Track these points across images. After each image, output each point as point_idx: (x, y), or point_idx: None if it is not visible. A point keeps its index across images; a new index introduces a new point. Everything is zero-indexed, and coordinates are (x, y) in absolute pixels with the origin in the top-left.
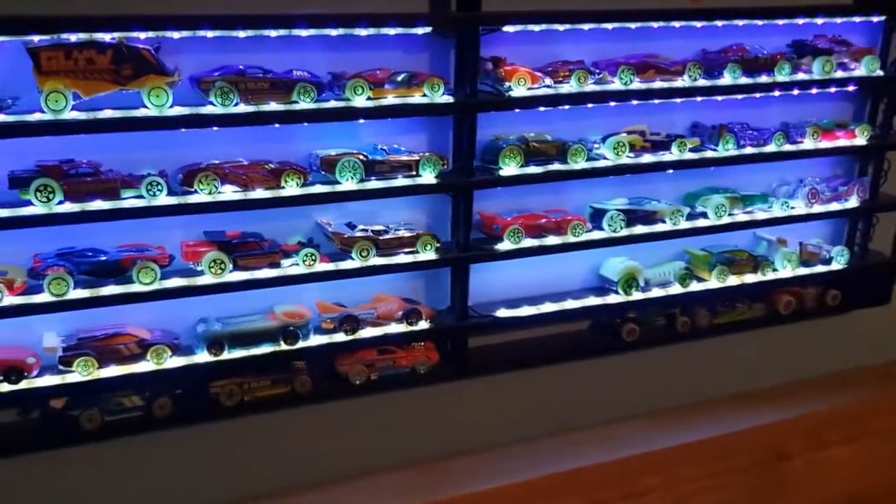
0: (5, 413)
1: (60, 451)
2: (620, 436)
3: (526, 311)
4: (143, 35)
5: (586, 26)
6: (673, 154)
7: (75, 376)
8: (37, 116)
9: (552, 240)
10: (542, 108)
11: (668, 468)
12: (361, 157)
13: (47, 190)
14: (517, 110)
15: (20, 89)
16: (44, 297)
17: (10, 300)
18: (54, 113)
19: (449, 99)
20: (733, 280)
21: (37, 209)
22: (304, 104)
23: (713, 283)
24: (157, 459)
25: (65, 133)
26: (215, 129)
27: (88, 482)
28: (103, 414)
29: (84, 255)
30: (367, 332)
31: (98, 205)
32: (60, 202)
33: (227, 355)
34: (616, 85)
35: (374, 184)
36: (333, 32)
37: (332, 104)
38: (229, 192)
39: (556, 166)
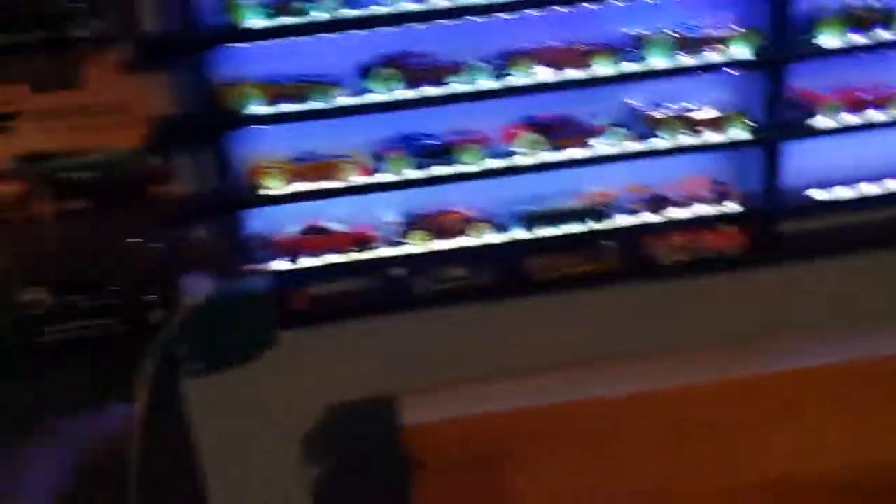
0: (351, 281)
1: (399, 315)
2: None
3: (844, 193)
4: None
5: None
6: None
7: (411, 248)
8: (380, 9)
9: (874, 115)
10: None
11: None
12: (672, 33)
13: (389, 78)
14: None
15: None
16: (386, 177)
17: (360, 179)
18: (395, 4)
19: None
20: None
21: (380, 96)
22: None
23: None
24: (478, 324)
25: (403, 23)
26: (530, 12)
27: (418, 343)
28: (434, 282)
29: (417, 139)
30: (674, 213)
31: (430, 91)
32: (400, 89)
33: (540, 233)
34: None
35: (685, 60)
36: None
37: None
38: (544, 74)
39: (882, 33)
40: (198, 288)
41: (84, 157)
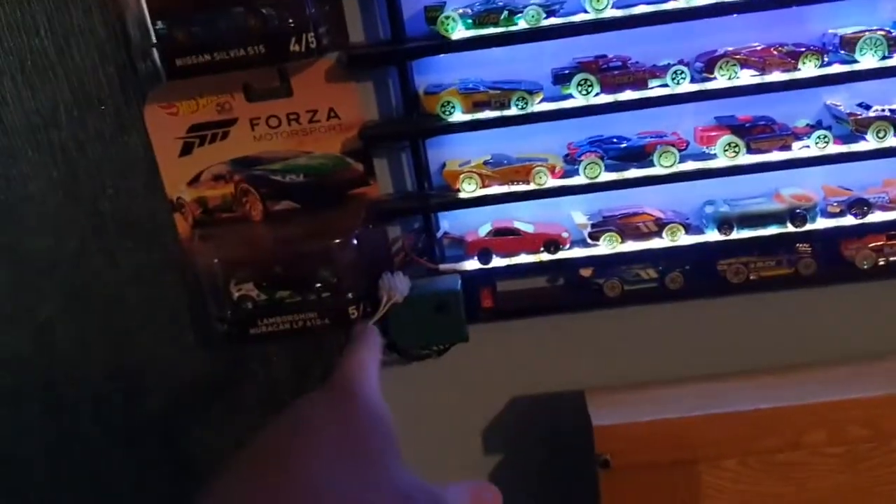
0: (538, 279)
1: (586, 313)
2: None
3: None
4: None
5: None
6: None
7: (601, 249)
8: (580, 17)
9: None
10: None
11: None
12: (884, 32)
13: (587, 83)
14: None
15: None
16: (578, 180)
17: (552, 182)
18: (597, 12)
19: None
20: None
21: (577, 102)
22: None
23: None
24: (668, 326)
25: (607, 30)
26: (734, 15)
27: (606, 341)
28: (623, 283)
29: (611, 142)
30: (876, 217)
31: (628, 95)
32: (597, 94)
33: (735, 235)
34: None
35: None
36: None
37: None
38: (746, 77)
39: None
40: (396, 286)
41: (292, 160)
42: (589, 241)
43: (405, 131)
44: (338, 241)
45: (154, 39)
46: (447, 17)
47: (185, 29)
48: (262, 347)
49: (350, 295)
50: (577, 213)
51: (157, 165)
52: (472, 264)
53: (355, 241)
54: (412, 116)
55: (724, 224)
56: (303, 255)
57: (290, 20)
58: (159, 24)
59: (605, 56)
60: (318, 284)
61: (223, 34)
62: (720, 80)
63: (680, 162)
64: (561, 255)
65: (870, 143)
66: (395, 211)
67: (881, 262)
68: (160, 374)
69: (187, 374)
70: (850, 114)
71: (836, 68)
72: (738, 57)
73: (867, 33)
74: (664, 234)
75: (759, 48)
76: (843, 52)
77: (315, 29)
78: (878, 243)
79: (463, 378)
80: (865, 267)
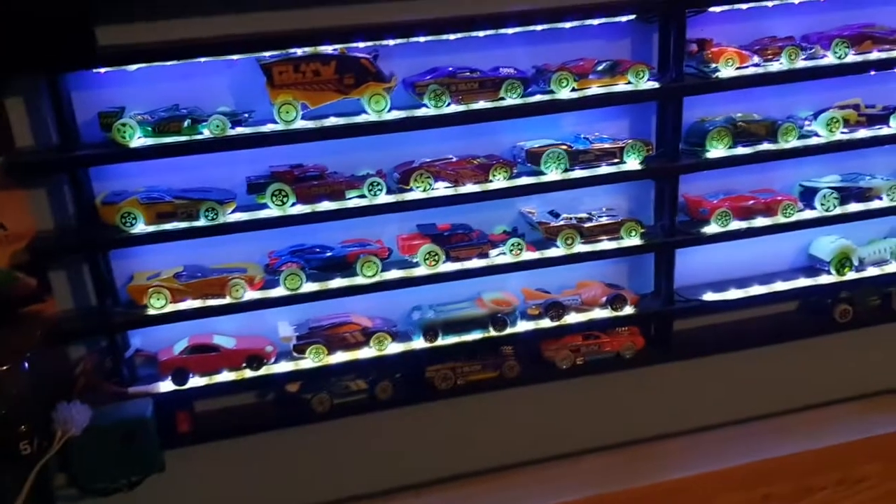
0: (245, 396)
1: (295, 430)
2: (833, 420)
3: (733, 294)
4: (362, 44)
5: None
6: (892, 128)
7: (307, 363)
8: (270, 127)
9: (761, 221)
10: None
11: (887, 454)
12: (565, 147)
13: (282, 194)
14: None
15: (253, 103)
16: (280, 292)
17: (251, 295)
18: (286, 123)
19: (654, 85)
20: None
21: (272, 212)
22: (512, 100)
23: None
24: (381, 437)
25: (296, 142)
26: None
27: (318, 457)
28: (332, 397)
29: (313, 252)
30: (571, 318)
31: (326, 205)
32: (293, 204)
33: (440, 342)
34: (829, 59)
35: (578, 173)
36: (539, 27)
37: (538, 98)
38: (441, 188)
39: (766, 146)
40: (74, 416)
41: None
42: (295, 354)
43: (80, 244)
44: (6, 367)
45: None
46: (123, 125)
47: None
48: None
49: (22, 428)
50: (283, 323)
51: None
52: (168, 385)
53: (27, 367)
54: (89, 227)
55: (430, 331)
56: None
57: None
58: None
59: (301, 165)
60: None
61: None
62: (416, 192)
63: (384, 270)
64: (265, 370)
65: (560, 249)
66: (74, 331)
67: (579, 361)
68: None
69: None
70: (539, 222)
71: (525, 180)
72: (432, 169)
73: (551, 147)
74: (371, 344)
75: (453, 160)
76: (529, 164)
77: None
78: (575, 343)
79: None
80: (565, 366)
